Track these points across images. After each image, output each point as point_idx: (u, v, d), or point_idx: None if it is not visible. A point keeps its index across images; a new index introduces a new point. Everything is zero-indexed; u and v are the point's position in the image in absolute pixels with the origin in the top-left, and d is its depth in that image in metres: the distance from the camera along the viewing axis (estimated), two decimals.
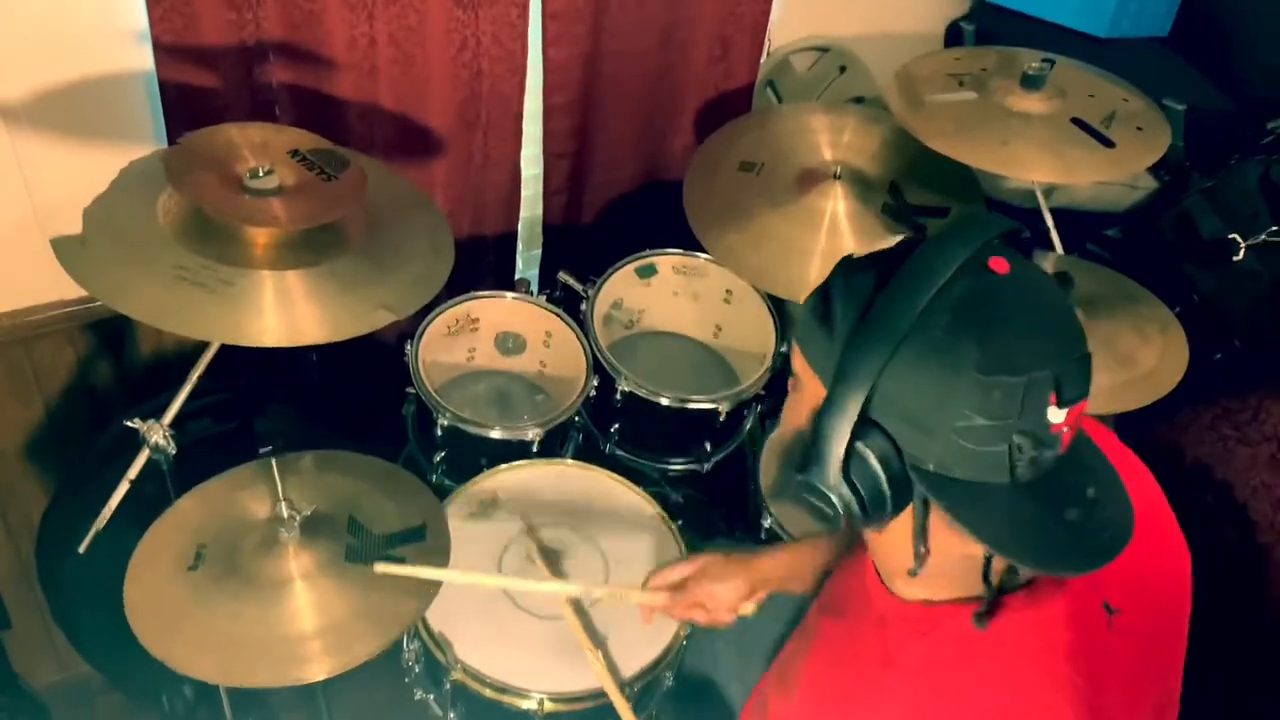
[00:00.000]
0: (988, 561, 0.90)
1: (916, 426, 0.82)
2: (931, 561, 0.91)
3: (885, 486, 0.84)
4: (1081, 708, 0.88)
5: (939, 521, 0.88)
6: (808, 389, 0.91)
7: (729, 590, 1.36)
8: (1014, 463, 0.82)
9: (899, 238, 0.90)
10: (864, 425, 0.83)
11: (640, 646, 1.47)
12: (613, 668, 1.42)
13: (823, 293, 0.89)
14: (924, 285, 0.81)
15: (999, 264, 0.83)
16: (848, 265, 0.90)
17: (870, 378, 0.81)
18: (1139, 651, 0.98)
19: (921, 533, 0.89)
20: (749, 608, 1.38)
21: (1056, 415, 0.81)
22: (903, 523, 0.90)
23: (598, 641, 1.45)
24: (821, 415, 0.85)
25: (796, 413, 0.94)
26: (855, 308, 0.84)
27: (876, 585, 1.01)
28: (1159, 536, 1.05)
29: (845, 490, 0.85)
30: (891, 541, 0.93)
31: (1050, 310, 0.85)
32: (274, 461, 1.33)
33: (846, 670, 0.99)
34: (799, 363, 0.92)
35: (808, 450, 0.87)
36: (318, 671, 1.23)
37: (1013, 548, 0.85)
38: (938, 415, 0.81)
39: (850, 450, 0.84)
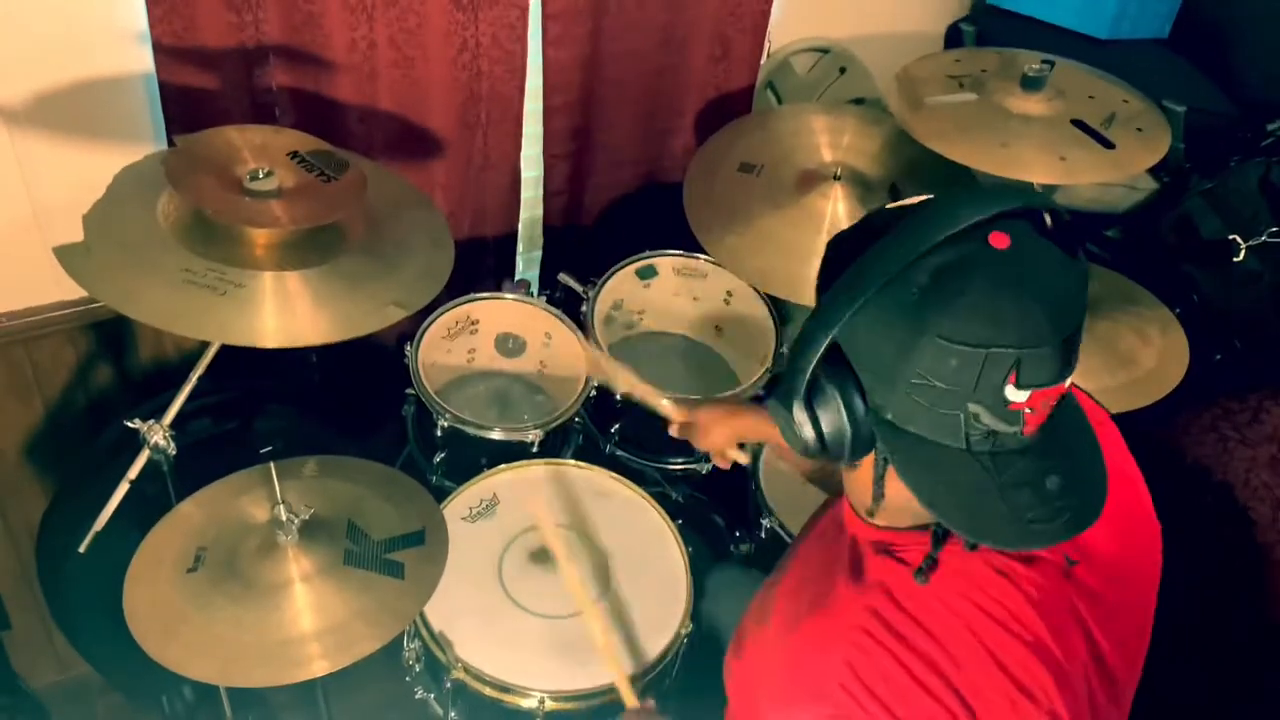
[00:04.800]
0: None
1: (878, 374, 0.86)
2: (892, 501, 0.94)
3: (846, 424, 0.88)
4: (1025, 637, 0.92)
5: (894, 471, 0.91)
6: None
7: (717, 437, 1.47)
8: (969, 430, 0.85)
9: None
10: (834, 364, 0.86)
11: (645, 640, 1.48)
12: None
13: (845, 232, 0.93)
14: (910, 244, 0.83)
15: (999, 239, 0.83)
16: (878, 211, 0.92)
17: (837, 319, 0.84)
18: (1098, 599, 0.99)
19: (879, 480, 0.93)
20: (741, 456, 1.48)
21: (1016, 394, 0.83)
22: (869, 466, 0.94)
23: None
24: (796, 343, 0.88)
25: None
26: (856, 251, 0.87)
27: (849, 513, 1.05)
28: (1131, 510, 1.06)
29: (806, 420, 0.89)
30: (861, 480, 0.97)
31: (1038, 292, 0.84)
32: (273, 466, 1.33)
33: (815, 584, 1.03)
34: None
35: (781, 373, 0.90)
36: (316, 672, 1.23)
37: (946, 509, 0.88)
38: (897, 368, 0.84)
39: (816, 384, 0.87)
